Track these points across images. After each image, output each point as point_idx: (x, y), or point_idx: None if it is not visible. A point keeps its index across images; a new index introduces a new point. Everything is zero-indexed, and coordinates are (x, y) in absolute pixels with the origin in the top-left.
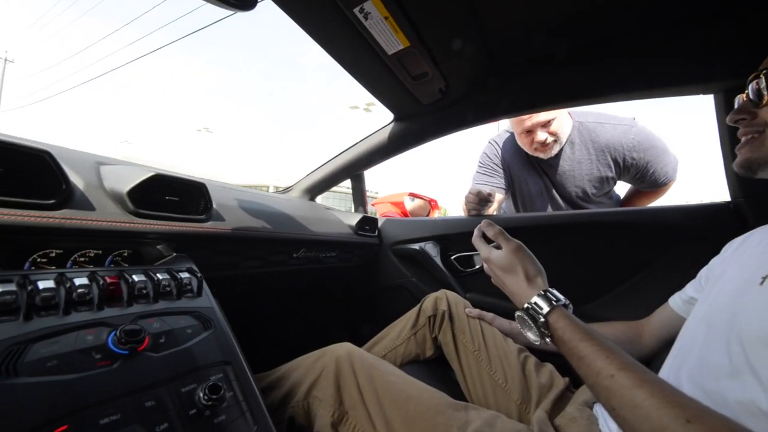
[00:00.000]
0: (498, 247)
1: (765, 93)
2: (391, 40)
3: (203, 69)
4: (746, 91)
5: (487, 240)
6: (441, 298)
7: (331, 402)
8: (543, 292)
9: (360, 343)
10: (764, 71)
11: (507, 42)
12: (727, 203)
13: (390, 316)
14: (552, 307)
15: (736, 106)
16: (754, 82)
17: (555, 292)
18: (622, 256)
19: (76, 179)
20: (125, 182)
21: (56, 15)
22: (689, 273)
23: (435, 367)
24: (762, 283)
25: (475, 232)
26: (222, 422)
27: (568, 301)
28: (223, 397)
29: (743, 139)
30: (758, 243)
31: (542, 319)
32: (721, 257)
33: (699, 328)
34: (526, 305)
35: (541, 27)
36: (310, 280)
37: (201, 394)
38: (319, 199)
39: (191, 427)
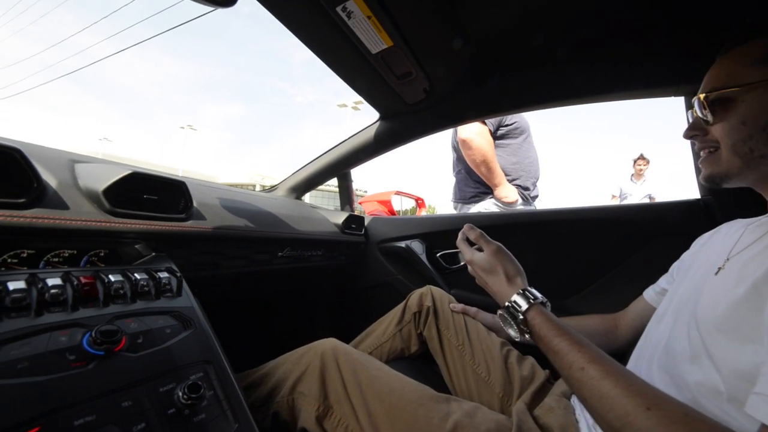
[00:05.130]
0: (480, 250)
1: (708, 115)
2: (374, 39)
3: (186, 64)
4: (693, 108)
5: (471, 243)
6: (426, 294)
7: (315, 396)
8: (522, 291)
9: (347, 341)
10: (705, 93)
11: (490, 44)
12: (697, 200)
13: (376, 314)
14: (530, 305)
15: (689, 120)
16: (700, 101)
17: (533, 290)
18: (600, 252)
19: (49, 177)
20: (101, 180)
21: (28, 6)
22: (662, 267)
23: (420, 363)
24: (717, 273)
25: (459, 235)
26: (202, 421)
27: (545, 299)
28: (202, 395)
29: (702, 154)
30: (723, 237)
31: (521, 317)
32: (690, 251)
33: (669, 318)
34: (506, 303)
35: (522, 29)
36: (296, 279)
37: (180, 394)
38: (307, 197)
39: (170, 427)
